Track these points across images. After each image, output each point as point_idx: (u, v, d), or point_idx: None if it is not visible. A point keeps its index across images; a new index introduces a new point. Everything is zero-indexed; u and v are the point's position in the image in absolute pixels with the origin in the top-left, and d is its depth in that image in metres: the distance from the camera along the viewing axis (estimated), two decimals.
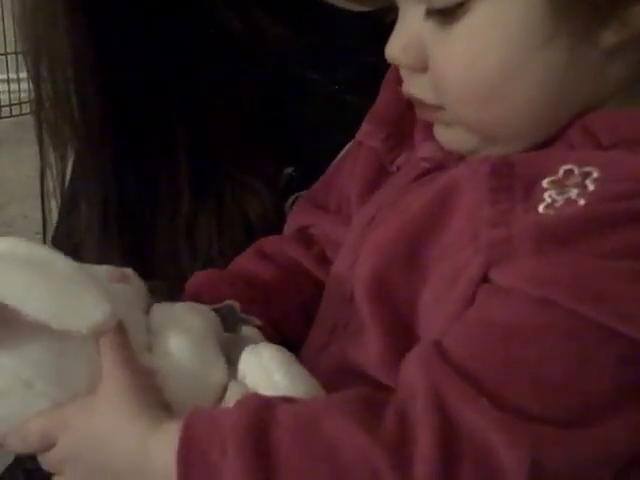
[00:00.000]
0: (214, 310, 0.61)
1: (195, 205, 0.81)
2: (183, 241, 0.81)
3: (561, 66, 0.53)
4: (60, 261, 0.54)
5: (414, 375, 0.49)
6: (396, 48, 0.57)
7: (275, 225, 0.78)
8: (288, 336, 0.66)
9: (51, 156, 0.81)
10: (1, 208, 3.26)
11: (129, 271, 0.59)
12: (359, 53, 0.80)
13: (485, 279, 0.51)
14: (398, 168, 0.65)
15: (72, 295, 0.52)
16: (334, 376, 0.58)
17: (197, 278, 0.70)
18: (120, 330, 0.54)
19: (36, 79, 0.79)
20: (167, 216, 0.81)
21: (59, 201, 0.85)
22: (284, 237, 0.73)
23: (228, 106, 0.82)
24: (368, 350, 0.57)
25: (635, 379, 0.48)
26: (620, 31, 0.51)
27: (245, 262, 0.72)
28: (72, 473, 0.54)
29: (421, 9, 0.55)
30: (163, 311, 0.59)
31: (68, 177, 0.85)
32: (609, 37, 0.52)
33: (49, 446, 0.54)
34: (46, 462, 0.56)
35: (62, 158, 0.81)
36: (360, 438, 0.47)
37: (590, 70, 0.53)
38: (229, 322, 0.60)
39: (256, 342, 0.59)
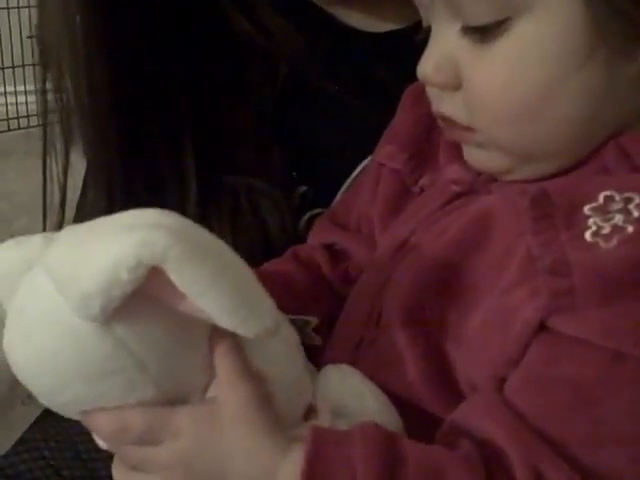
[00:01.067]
0: (291, 321, 0.58)
1: (205, 207, 0.81)
2: None
3: (599, 85, 0.52)
4: (238, 259, 0.51)
5: (499, 437, 0.49)
6: (428, 66, 0.56)
7: (292, 241, 0.77)
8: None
9: (55, 167, 0.82)
10: (10, 221, 3.25)
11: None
12: (371, 73, 0.81)
13: (543, 326, 0.50)
14: (422, 189, 0.66)
15: (250, 297, 0.48)
16: None
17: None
18: (231, 334, 0.50)
19: (44, 66, 0.79)
20: (174, 210, 0.81)
21: (65, 211, 0.85)
22: (316, 246, 0.73)
23: (239, 108, 0.83)
24: (404, 374, 0.56)
25: None
26: None
27: (280, 264, 0.71)
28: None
29: (456, 27, 0.54)
30: None
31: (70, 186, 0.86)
32: None
33: (146, 444, 0.51)
34: (137, 457, 0.53)
35: (66, 154, 0.81)
36: None
37: (627, 88, 0.53)
38: (300, 338, 0.58)
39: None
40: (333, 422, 0.54)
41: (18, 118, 4.37)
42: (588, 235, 0.50)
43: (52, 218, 0.84)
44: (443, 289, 0.56)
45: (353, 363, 0.60)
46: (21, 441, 0.87)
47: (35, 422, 0.66)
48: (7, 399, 0.54)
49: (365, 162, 0.76)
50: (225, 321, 0.47)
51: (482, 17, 0.52)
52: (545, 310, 0.50)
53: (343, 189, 0.79)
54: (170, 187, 0.81)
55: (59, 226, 0.82)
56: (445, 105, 0.57)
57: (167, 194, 0.80)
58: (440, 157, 0.64)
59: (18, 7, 4.16)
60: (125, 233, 0.47)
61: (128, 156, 0.80)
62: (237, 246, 0.79)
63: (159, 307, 0.47)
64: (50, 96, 0.79)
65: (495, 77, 0.54)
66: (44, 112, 0.80)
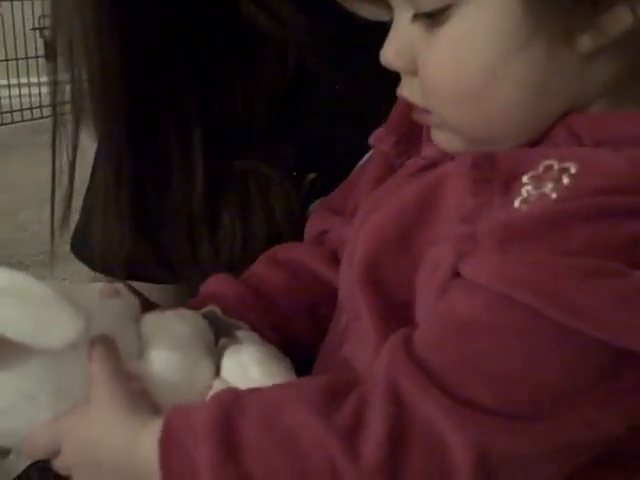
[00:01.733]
0: (202, 315, 0.64)
1: (214, 192, 0.81)
2: (204, 229, 0.82)
3: (540, 69, 0.54)
4: (36, 286, 0.57)
5: (379, 366, 0.51)
6: (390, 52, 0.59)
7: (299, 229, 0.78)
8: (296, 339, 0.68)
9: (63, 157, 0.82)
10: (15, 213, 3.27)
11: (121, 286, 0.63)
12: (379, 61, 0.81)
13: (456, 273, 0.52)
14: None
15: (45, 315, 0.55)
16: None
17: (209, 283, 0.72)
18: (107, 341, 0.58)
19: (53, 48, 0.79)
20: (180, 200, 0.82)
21: (72, 203, 0.85)
22: (296, 244, 0.75)
23: (249, 94, 0.83)
24: (368, 338, 0.58)
25: (591, 376, 0.49)
26: (596, 37, 0.52)
27: (256, 267, 0.74)
28: (81, 476, 0.58)
29: (409, 13, 0.57)
30: (152, 320, 0.63)
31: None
32: (586, 42, 0.53)
33: (56, 453, 0.58)
34: (56, 468, 0.60)
35: (76, 135, 0.81)
36: (317, 425, 0.49)
37: (569, 73, 0.54)
38: (220, 326, 0.64)
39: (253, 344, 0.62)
40: None
41: (22, 110, 4.38)
42: (517, 202, 0.52)
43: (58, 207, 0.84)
44: (398, 249, 0.58)
45: (342, 342, 0.62)
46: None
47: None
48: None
49: (372, 151, 0.76)
50: (34, 342, 0.54)
51: (428, 4, 0.55)
52: (454, 257, 0.52)
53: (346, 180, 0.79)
54: (177, 170, 0.81)
55: (67, 208, 0.83)
56: (405, 88, 0.60)
57: (174, 177, 0.81)
58: (422, 139, 0.66)
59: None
60: None
61: (137, 138, 0.80)
62: (245, 233, 0.80)
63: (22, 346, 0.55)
64: (60, 79, 0.79)
65: (441, 61, 0.56)
66: (53, 94, 0.80)
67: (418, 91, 0.59)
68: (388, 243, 0.58)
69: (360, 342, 0.59)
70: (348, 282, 0.63)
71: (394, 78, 0.76)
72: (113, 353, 0.58)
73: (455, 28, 0.54)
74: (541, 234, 0.50)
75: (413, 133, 0.67)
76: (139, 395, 0.57)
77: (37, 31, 4.23)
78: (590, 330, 0.48)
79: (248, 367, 0.59)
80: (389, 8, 0.81)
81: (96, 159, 0.87)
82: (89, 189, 0.88)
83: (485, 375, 0.49)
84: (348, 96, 0.83)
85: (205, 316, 0.64)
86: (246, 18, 0.82)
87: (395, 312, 0.57)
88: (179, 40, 0.81)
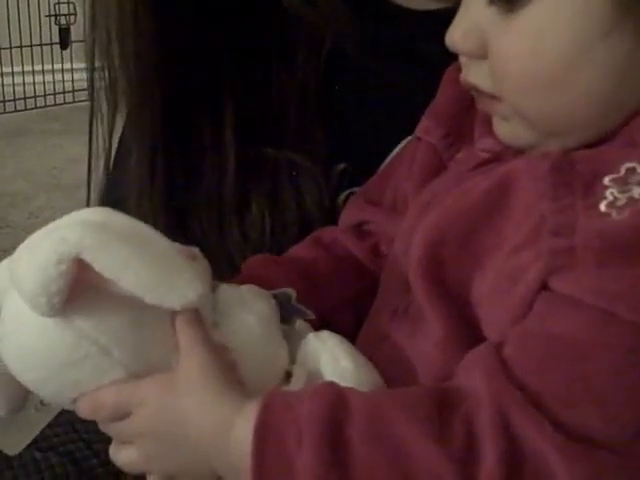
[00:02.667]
0: (273, 296, 0.62)
1: (245, 180, 0.81)
2: (233, 218, 0.81)
3: (625, 56, 0.52)
4: (156, 237, 0.55)
5: (478, 383, 0.50)
6: (456, 34, 0.57)
7: (329, 219, 0.78)
8: (337, 330, 0.66)
9: (98, 142, 0.82)
10: (28, 199, 3.28)
11: (196, 250, 0.60)
12: (419, 50, 0.80)
13: (544, 286, 0.51)
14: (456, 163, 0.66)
15: (169, 271, 0.53)
16: (394, 368, 0.59)
17: (253, 262, 0.71)
18: (191, 308, 0.55)
19: (92, 32, 0.79)
20: (212, 187, 0.81)
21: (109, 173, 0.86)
22: (340, 229, 0.74)
23: (283, 81, 0.82)
24: (430, 332, 0.57)
25: None
26: None
27: (301, 250, 0.72)
28: (147, 447, 0.56)
29: None
30: (230, 292, 0.60)
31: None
32: None
33: (120, 417, 0.56)
34: (115, 432, 0.57)
35: (113, 118, 0.81)
36: (431, 450, 0.48)
37: None
38: (285, 311, 0.62)
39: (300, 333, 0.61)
40: (307, 386, 0.57)
41: (35, 97, 4.38)
42: (603, 206, 0.50)
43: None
44: (461, 247, 0.57)
45: (389, 334, 0.61)
46: (55, 415, 0.88)
47: None
48: (21, 405, 0.60)
49: (406, 140, 0.75)
50: (148, 297, 0.52)
51: None
52: (546, 270, 0.50)
53: (382, 167, 0.79)
54: (209, 156, 0.81)
55: (103, 191, 0.83)
56: (472, 74, 0.58)
57: (206, 163, 0.81)
58: (475, 132, 0.65)
59: None
60: (49, 235, 0.53)
61: (170, 123, 0.80)
62: (275, 221, 0.80)
63: (111, 294, 0.53)
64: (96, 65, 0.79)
65: (520, 46, 0.54)
66: (91, 79, 0.80)
67: (487, 77, 0.57)
68: (451, 240, 0.57)
69: (416, 336, 0.58)
70: (397, 275, 0.62)
71: (431, 67, 0.76)
72: (200, 321, 0.55)
73: (536, 12, 0.53)
74: (638, 247, 0.48)
75: (463, 125, 0.66)
76: (230, 369, 0.55)
77: (52, 18, 4.24)
78: None
79: (339, 358, 0.57)
80: None
81: (119, 150, 0.87)
82: (114, 179, 0.87)
83: (594, 399, 0.48)
84: (382, 85, 0.82)
85: (276, 297, 0.62)
86: (283, 3, 0.82)
87: (457, 309, 0.56)
88: (213, 27, 0.81)
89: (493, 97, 0.57)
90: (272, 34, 0.82)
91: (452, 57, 0.65)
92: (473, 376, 0.51)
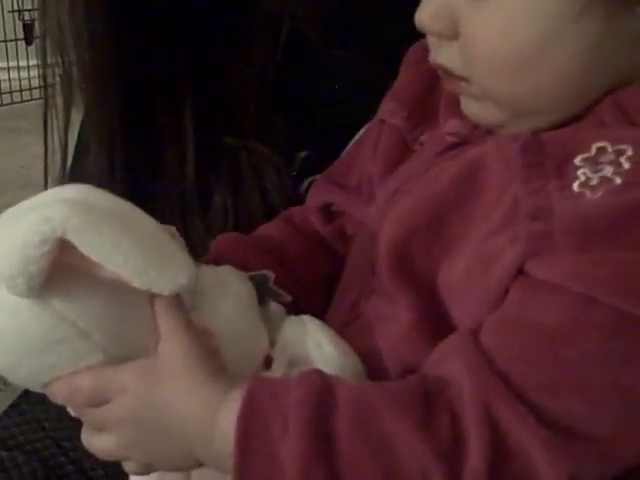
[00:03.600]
0: (249, 277, 0.61)
1: (206, 169, 0.80)
2: (196, 207, 0.80)
3: (596, 37, 0.52)
4: (142, 217, 0.53)
5: (459, 374, 0.50)
6: (426, 15, 0.56)
7: (293, 204, 0.77)
8: (306, 311, 0.66)
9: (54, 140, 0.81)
10: None
11: (173, 229, 0.59)
12: (375, 33, 0.80)
13: (521, 271, 0.50)
14: (422, 146, 0.65)
15: (159, 255, 0.51)
16: (360, 352, 0.58)
17: (222, 241, 0.69)
18: None
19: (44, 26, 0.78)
20: (173, 178, 0.81)
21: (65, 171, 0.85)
22: (310, 208, 0.73)
23: (242, 70, 0.82)
24: (398, 325, 0.56)
25: None
26: None
27: (272, 229, 0.72)
28: (127, 434, 0.54)
29: None
30: (209, 273, 0.59)
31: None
32: None
33: (97, 403, 0.54)
34: (91, 418, 0.56)
35: (68, 113, 0.80)
36: (417, 442, 0.48)
37: (625, 43, 0.53)
38: (261, 293, 0.61)
39: (282, 317, 0.60)
40: (289, 371, 0.56)
41: (1, 94, 4.33)
42: (576, 185, 0.50)
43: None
44: (430, 234, 0.57)
45: (353, 319, 0.60)
46: (21, 412, 0.87)
47: (36, 394, 0.67)
48: None
49: (367, 125, 0.75)
50: (137, 282, 0.50)
51: None
52: (523, 254, 0.50)
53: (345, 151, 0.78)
54: (169, 147, 0.80)
55: None
56: (442, 55, 0.58)
57: (166, 154, 0.80)
58: (440, 115, 0.64)
59: None
60: (31, 212, 0.50)
61: (128, 115, 0.79)
62: (238, 209, 0.80)
63: (91, 277, 0.50)
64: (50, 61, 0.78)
65: (491, 28, 0.54)
66: (44, 76, 0.79)
67: (457, 58, 0.56)
68: (420, 228, 0.57)
69: (382, 322, 0.58)
70: (364, 260, 0.61)
71: (396, 49, 0.75)
72: (181, 304, 0.54)
73: None
74: (620, 229, 0.48)
75: (426, 106, 0.66)
76: (213, 354, 0.54)
77: (15, 13, 4.19)
78: None
79: (323, 344, 0.56)
80: None
81: (80, 135, 0.85)
82: (74, 175, 0.86)
83: (578, 386, 0.48)
84: (342, 69, 0.81)
85: (252, 278, 0.61)
86: None
87: (425, 294, 0.56)
88: (169, 15, 0.80)
89: (463, 78, 0.57)
90: (228, 21, 0.82)
91: (408, 38, 0.65)
92: (454, 367, 0.50)
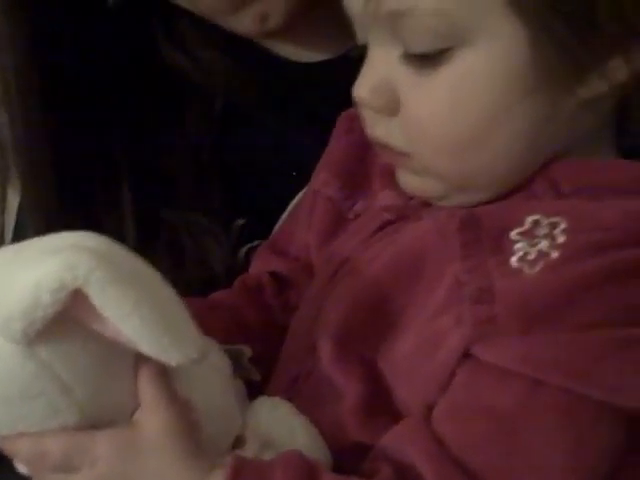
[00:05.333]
0: (225, 351, 0.59)
1: (145, 241, 0.80)
2: None
3: (540, 117, 0.53)
4: (163, 285, 0.51)
5: (419, 462, 0.50)
6: (365, 89, 0.56)
7: (232, 273, 0.77)
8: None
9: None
10: None
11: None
12: (306, 102, 0.81)
13: (467, 353, 0.51)
14: (356, 216, 0.66)
15: (174, 323, 0.48)
16: None
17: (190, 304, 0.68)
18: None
19: None
20: None
21: None
22: (263, 275, 0.72)
23: (177, 141, 0.83)
24: (341, 404, 0.56)
25: (630, 445, 0.50)
26: (597, 84, 0.52)
27: (231, 296, 0.71)
28: None
29: (396, 52, 0.54)
30: None
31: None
32: (587, 89, 0.52)
33: (64, 470, 0.51)
34: None
35: (3, 194, 0.82)
36: None
37: (564, 121, 0.54)
38: (235, 368, 0.59)
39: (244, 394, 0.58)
40: (261, 453, 0.54)
41: None
42: (514, 260, 0.51)
43: None
44: (375, 316, 0.56)
45: (291, 397, 0.59)
46: None
47: None
48: None
49: (303, 192, 0.76)
50: (146, 348, 0.47)
51: (424, 45, 0.52)
52: (469, 338, 0.50)
53: (281, 220, 0.79)
54: (107, 223, 0.80)
55: None
56: (380, 129, 0.57)
57: (104, 228, 0.79)
58: (374, 183, 0.64)
59: None
60: (49, 255, 0.47)
61: (65, 191, 0.80)
62: (177, 281, 0.79)
63: (85, 331, 0.48)
64: None
65: (436, 106, 0.53)
66: None
67: (398, 133, 0.56)
68: (364, 311, 0.57)
69: (324, 400, 0.58)
70: (303, 338, 0.61)
71: (317, 116, 0.76)
72: (165, 374, 0.51)
73: (453, 73, 0.52)
74: (561, 308, 0.49)
75: (358, 175, 0.66)
76: (194, 430, 0.51)
77: None
78: (625, 403, 0.48)
79: (295, 431, 0.55)
80: (311, 48, 0.83)
81: (18, 216, 0.86)
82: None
83: (534, 470, 0.49)
84: (272, 137, 0.83)
85: (229, 352, 0.58)
86: (170, 64, 0.82)
87: (370, 375, 0.56)
88: (102, 88, 0.80)
89: (403, 153, 0.57)
90: (163, 95, 0.82)
91: (338, 107, 0.66)
92: (413, 455, 0.51)
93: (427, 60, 0.53)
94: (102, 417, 0.51)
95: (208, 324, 0.59)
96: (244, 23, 0.75)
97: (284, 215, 0.79)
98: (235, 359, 0.59)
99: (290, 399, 0.59)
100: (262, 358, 0.64)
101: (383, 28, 0.54)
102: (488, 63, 0.52)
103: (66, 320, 0.47)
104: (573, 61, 0.51)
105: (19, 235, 0.86)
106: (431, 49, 0.52)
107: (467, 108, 0.53)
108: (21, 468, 0.54)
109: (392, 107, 0.55)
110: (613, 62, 0.52)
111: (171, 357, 0.48)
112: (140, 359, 0.50)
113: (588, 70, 0.52)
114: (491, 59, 0.52)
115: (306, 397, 0.59)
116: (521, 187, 0.55)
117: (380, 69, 0.55)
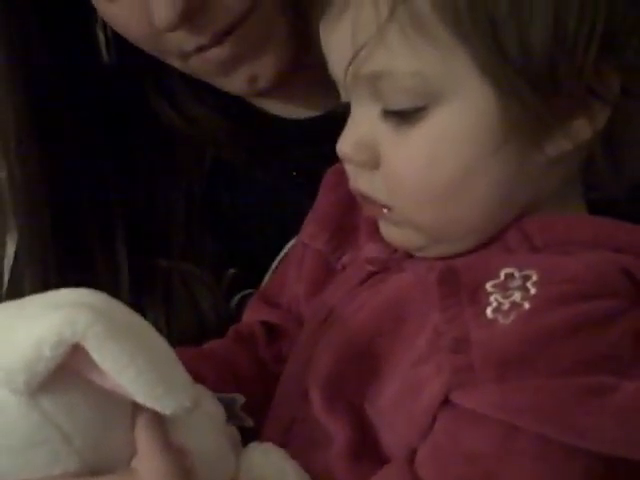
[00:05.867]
0: (218, 398, 0.61)
1: (139, 291, 0.82)
2: None
3: (511, 171, 0.56)
4: (156, 336, 0.53)
5: None
6: (348, 145, 0.58)
7: (224, 322, 0.79)
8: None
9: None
10: None
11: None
12: (293, 157, 0.84)
13: (447, 400, 0.53)
14: (344, 267, 0.68)
15: (168, 374, 0.51)
16: None
17: (180, 354, 0.69)
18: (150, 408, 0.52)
19: None
20: (106, 292, 0.82)
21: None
22: (255, 324, 0.74)
23: (168, 192, 0.85)
24: (330, 449, 0.58)
25: None
26: (562, 142, 0.55)
27: (225, 344, 0.72)
28: None
29: (376, 109, 0.57)
30: None
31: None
32: (553, 147, 0.55)
33: None
34: None
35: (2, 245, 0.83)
36: None
37: (534, 176, 0.57)
38: (228, 416, 0.61)
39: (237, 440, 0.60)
40: None
41: None
42: (489, 311, 0.53)
43: None
44: (361, 363, 0.59)
45: (285, 444, 0.61)
46: None
47: None
48: None
49: (292, 242, 0.78)
50: (142, 398, 0.50)
51: (402, 103, 0.55)
52: (448, 385, 0.52)
53: (271, 269, 0.81)
54: (102, 271, 0.82)
55: None
56: (363, 183, 0.60)
57: (99, 277, 0.81)
58: (361, 235, 0.67)
59: None
60: (50, 311, 0.50)
61: (60, 240, 0.81)
62: (171, 330, 0.81)
63: (85, 383, 0.50)
64: None
65: (413, 161, 0.56)
66: None
67: (379, 187, 0.58)
68: (350, 359, 0.59)
69: (316, 446, 0.60)
70: (295, 387, 0.63)
71: (303, 170, 0.79)
72: (160, 421, 0.53)
73: (429, 129, 0.55)
74: (532, 356, 0.51)
75: (346, 227, 0.69)
76: (188, 476, 0.53)
77: None
78: (595, 447, 0.50)
79: (287, 472, 0.57)
80: (298, 105, 0.85)
81: (13, 268, 0.87)
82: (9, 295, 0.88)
83: None
84: (260, 188, 0.85)
85: (222, 401, 0.60)
86: (162, 119, 0.85)
87: (357, 420, 0.58)
88: (97, 138, 0.83)
89: (385, 206, 0.59)
90: (155, 148, 0.85)
91: (325, 161, 0.69)
92: None
93: (405, 117, 0.55)
94: (101, 464, 0.53)
95: (201, 373, 0.63)
96: (235, 84, 0.77)
97: (274, 264, 0.81)
98: (228, 407, 0.62)
99: (285, 443, 0.61)
100: (254, 406, 0.65)
101: (363, 88, 0.57)
102: (461, 120, 0.55)
103: (67, 373, 0.50)
104: (538, 120, 0.54)
105: (14, 286, 0.87)
106: (408, 107, 0.55)
107: (443, 162, 0.56)
108: None
109: (373, 162, 0.58)
110: (577, 122, 0.55)
111: (165, 406, 0.50)
112: (137, 408, 0.52)
113: (553, 129, 0.54)
114: (464, 117, 0.55)
115: (300, 441, 0.61)
116: (496, 239, 0.58)
117: (362, 126, 0.58)
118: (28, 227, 0.83)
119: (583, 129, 0.55)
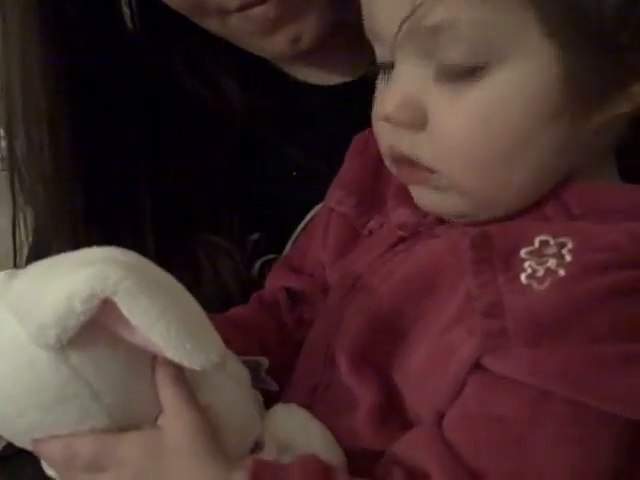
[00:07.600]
0: (243, 362, 0.61)
1: (164, 261, 0.82)
2: None
3: (568, 135, 0.55)
4: (186, 293, 0.53)
5: (432, 469, 0.52)
6: (392, 104, 0.56)
7: (247, 288, 0.79)
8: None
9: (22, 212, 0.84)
10: None
11: None
12: (322, 123, 0.83)
13: (478, 364, 0.52)
14: (370, 232, 0.68)
15: (197, 330, 0.51)
16: None
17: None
18: (172, 362, 0.52)
19: (10, 136, 0.81)
20: None
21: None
22: (279, 290, 0.74)
23: (195, 168, 0.84)
24: (356, 414, 0.58)
25: (632, 458, 0.52)
26: (609, 111, 0.54)
27: (247, 311, 0.73)
28: None
29: (426, 68, 0.55)
30: None
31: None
32: (600, 116, 0.54)
33: (93, 471, 0.53)
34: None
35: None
36: None
37: (582, 143, 0.56)
38: (253, 379, 0.61)
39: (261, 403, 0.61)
40: (279, 457, 0.56)
41: None
42: (523, 277, 0.52)
43: None
44: (391, 330, 0.58)
45: (309, 406, 0.61)
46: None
47: None
48: None
49: (316, 208, 0.78)
50: (171, 353, 0.50)
51: (461, 58, 0.53)
52: (479, 349, 0.52)
53: (295, 235, 0.81)
54: (129, 246, 0.82)
55: None
56: (405, 145, 0.58)
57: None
58: (388, 201, 0.66)
59: None
60: (82, 267, 0.50)
61: (89, 218, 0.81)
62: (196, 298, 0.82)
63: (115, 339, 0.51)
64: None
65: (468, 122, 0.54)
66: (11, 182, 0.82)
67: (424, 148, 0.56)
68: (380, 324, 0.59)
69: (341, 409, 0.60)
70: (320, 351, 0.63)
71: (330, 138, 0.78)
72: (185, 378, 0.53)
73: (487, 89, 0.53)
74: (567, 322, 0.51)
75: (373, 193, 0.68)
76: (216, 433, 0.53)
77: None
78: (630, 414, 0.50)
79: (311, 432, 0.57)
80: (329, 70, 0.83)
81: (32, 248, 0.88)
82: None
83: (541, 475, 0.50)
84: (286, 157, 0.85)
85: (247, 364, 0.61)
86: (190, 93, 0.84)
87: (383, 385, 0.58)
88: (126, 113, 0.83)
89: (428, 169, 0.57)
90: (182, 122, 0.85)
91: (354, 129, 0.69)
92: (426, 462, 0.52)
93: (462, 76, 0.54)
94: (129, 421, 0.53)
95: (226, 339, 0.61)
96: (276, 45, 0.76)
97: (298, 230, 0.81)
98: (253, 370, 0.62)
99: (308, 408, 0.61)
100: (278, 371, 0.65)
101: (418, 45, 0.55)
102: (522, 80, 0.53)
103: (96, 328, 0.50)
104: (600, 84, 0.53)
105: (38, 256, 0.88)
106: (468, 63, 0.53)
107: (500, 124, 0.54)
108: (48, 469, 0.57)
109: (419, 122, 0.56)
110: (635, 87, 0.54)
111: (194, 361, 0.50)
112: (159, 365, 0.53)
113: (612, 93, 0.54)
114: (526, 77, 0.53)
115: (324, 406, 0.61)
116: (533, 208, 0.57)
117: (408, 86, 0.56)
118: (57, 206, 0.82)
119: (635, 97, 0.54)
